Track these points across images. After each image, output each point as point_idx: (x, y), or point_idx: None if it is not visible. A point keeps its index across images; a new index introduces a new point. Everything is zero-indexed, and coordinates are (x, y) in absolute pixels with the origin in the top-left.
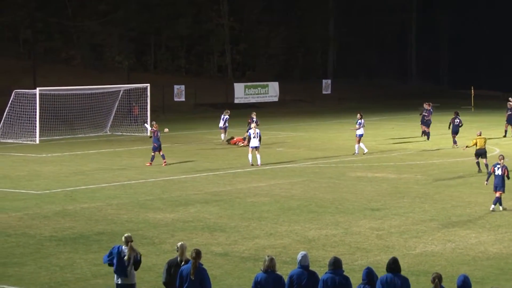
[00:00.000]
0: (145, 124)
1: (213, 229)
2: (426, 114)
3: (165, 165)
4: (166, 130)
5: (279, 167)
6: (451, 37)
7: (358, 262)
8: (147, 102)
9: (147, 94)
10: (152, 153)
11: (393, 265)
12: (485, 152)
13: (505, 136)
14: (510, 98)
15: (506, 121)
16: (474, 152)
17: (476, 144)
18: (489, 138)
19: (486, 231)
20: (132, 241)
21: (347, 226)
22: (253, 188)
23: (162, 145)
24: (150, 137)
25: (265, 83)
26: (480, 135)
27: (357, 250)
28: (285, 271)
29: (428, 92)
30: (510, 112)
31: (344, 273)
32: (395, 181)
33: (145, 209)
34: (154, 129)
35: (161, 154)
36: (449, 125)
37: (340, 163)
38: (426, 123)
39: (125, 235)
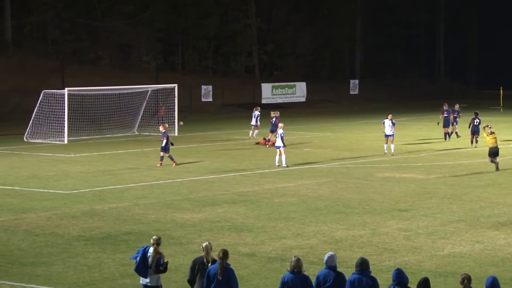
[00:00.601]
0: (180, 122)
1: (240, 229)
2: (446, 115)
3: (175, 165)
4: (181, 123)
5: (306, 168)
6: (480, 37)
7: (386, 263)
8: (174, 103)
9: (174, 94)
10: (161, 153)
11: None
12: (498, 150)
13: None
14: None
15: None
16: (488, 152)
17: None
18: None
19: None
20: (158, 244)
21: (374, 227)
22: (280, 189)
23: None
24: (169, 143)
25: (292, 83)
26: (490, 134)
27: (384, 251)
28: (312, 271)
29: (456, 92)
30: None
31: (372, 274)
32: (423, 182)
33: (172, 209)
34: (163, 129)
35: (168, 155)
36: (469, 125)
37: (367, 163)
38: (446, 123)
39: (154, 237)
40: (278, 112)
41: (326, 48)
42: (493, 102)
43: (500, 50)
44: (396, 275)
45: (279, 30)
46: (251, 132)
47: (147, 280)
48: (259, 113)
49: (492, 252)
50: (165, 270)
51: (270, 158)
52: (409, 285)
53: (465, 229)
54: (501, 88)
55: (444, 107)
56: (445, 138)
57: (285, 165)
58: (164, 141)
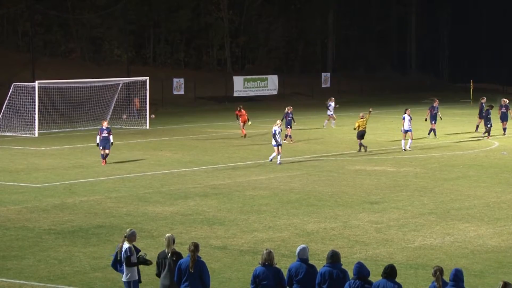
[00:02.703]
0: (152, 115)
1: (212, 222)
2: (436, 112)
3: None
4: (153, 116)
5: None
6: (452, 30)
7: (357, 256)
8: (146, 96)
9: (146, 87)
10: (107, 151)
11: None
12: (365, 133)
13: (504, 134)
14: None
15: (500, 118)
16: (356, 134)
17: (358, 126)
18: (491, 133)
19: (485, 225)
20: (127, 237)
21: (345, 220)
22: (252, 182)
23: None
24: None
25: (264, 76)
26: (362, 117)
27: (355, 243)
28: (284, 264)
29: (427, 85)
30: (504, 110)
31: (342, 267)
32: (394, 175)
33: (144, 202)
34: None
35: (106, 152)
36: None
37: (339, 156)
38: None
39: (127, 230)
40: (291, 107)
41: (299, 41)
42: (464, 95)
43: (471, 43)
44: (356, 269)
45: (251, 23)
46: (326, 122)
47: (123, 275)
48: (332, 104)
49: (462, 245)
50: (138, 263)
51: (242, 151)
52: (370, 278)
53: (435, 221)
54: (472, 82)
55: (435, 103)
56: (429, 134)
57: (279, 163)
58: (111, 137)
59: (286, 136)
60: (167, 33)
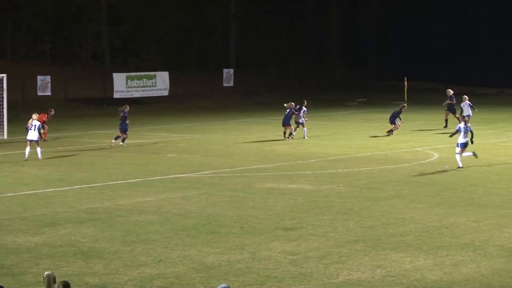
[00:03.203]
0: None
1: (88, 255)
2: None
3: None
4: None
5: (170, 178)
6: (380, 19)
7: None
8: (3, 97)
9: (2, 87)
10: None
11: None
12: None
13: (446, 126)
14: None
15: (447, 109)
16: None
17: None
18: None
19: (423, 254)
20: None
21: (254, 250)
22: (138, 204)
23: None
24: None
25: (151, 73)
26: None
27: (267, 279)
28: None
29: (352, 83)
30: (450, 101)
31: None
32: (313, 194)
33: (1, 231)
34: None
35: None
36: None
37: (246, 171)
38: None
39: None
40: (293, 103)
41: (194, 29)
42: (396, 96)
43: (404, 34)
44: None
45: (135, 6)
46: (293, 132)
47: None
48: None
49: (397, 279)
50: None
51: (126, 166)
52: None
53: (363, 251)
54: (406, 79)
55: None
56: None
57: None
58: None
59: (290, 134)
60: (29, 19)
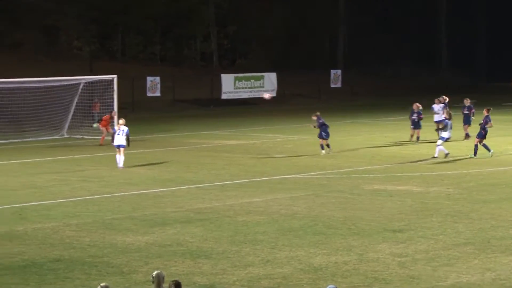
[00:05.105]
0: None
1: (196, 255)
2: (467, 111)
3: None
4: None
5: (277, 178)
6: (490, 21)
7: None
8: (113, 98)
9: (113, 88)
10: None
11: None
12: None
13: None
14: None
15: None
16: None
17: None
18: None
19: None
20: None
21: (362, 251)
22: (246, 204)
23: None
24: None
25: (259, 74)
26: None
27: (374, 281)
28: None
29: (461, 85)
30: (467, 111)
31: None
32: (421, 196)
33: (111, 230)
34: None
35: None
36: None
37: (353, 173)
38: (467, 121)
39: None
40: (319, 113)
41: (301, 30)
42: (506, 97)
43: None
44: None
45: (242, 8)
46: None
47: None
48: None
49: (507, 282)
50: None
51: (232, 167)
52: None
53: (473, 253)
54: None
55: (466, 102)
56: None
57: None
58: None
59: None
60: (139, 21)
